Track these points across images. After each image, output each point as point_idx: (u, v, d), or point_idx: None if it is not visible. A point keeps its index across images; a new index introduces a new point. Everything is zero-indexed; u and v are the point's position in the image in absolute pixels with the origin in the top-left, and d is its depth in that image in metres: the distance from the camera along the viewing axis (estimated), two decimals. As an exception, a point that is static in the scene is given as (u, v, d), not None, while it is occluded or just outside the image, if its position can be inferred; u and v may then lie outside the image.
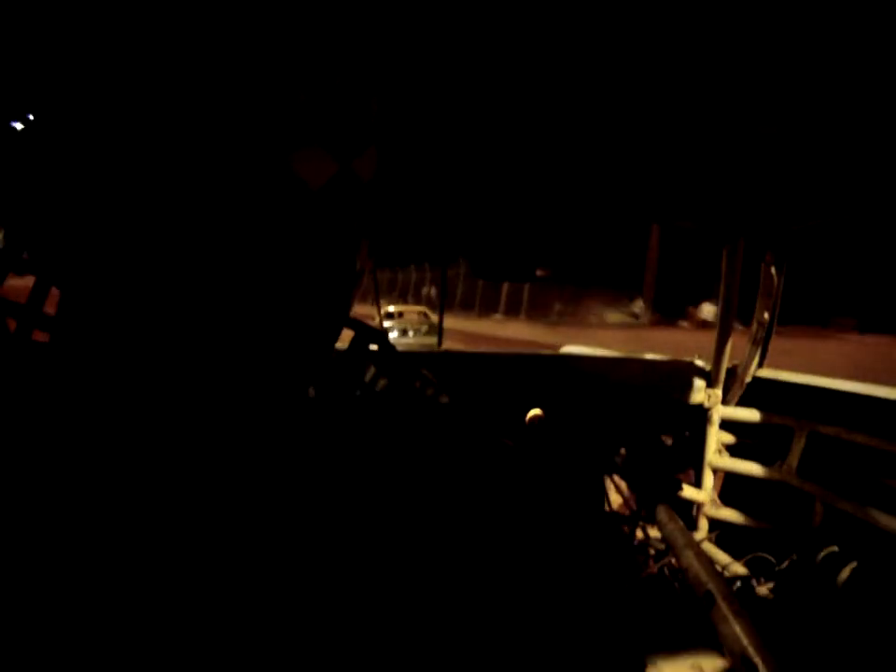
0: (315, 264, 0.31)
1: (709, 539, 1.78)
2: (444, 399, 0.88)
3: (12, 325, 0.60)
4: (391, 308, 11.13)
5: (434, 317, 10.67)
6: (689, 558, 1.26)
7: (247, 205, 0.27)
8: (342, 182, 0.32)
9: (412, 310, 11.50)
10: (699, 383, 1.86)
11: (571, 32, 0.70)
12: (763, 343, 1.73)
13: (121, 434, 0.28)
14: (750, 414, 1.74)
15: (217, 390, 0.32)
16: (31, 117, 0.26)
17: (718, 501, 1.81)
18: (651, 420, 1.87)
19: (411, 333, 9.58)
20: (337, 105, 0.31)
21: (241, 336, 0.30)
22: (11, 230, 0.39)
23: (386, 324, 9.05)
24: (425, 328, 9.90)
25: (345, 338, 0.94)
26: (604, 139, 1.11)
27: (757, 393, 1.77)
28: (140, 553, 0.25)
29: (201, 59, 0.30)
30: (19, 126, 0.27)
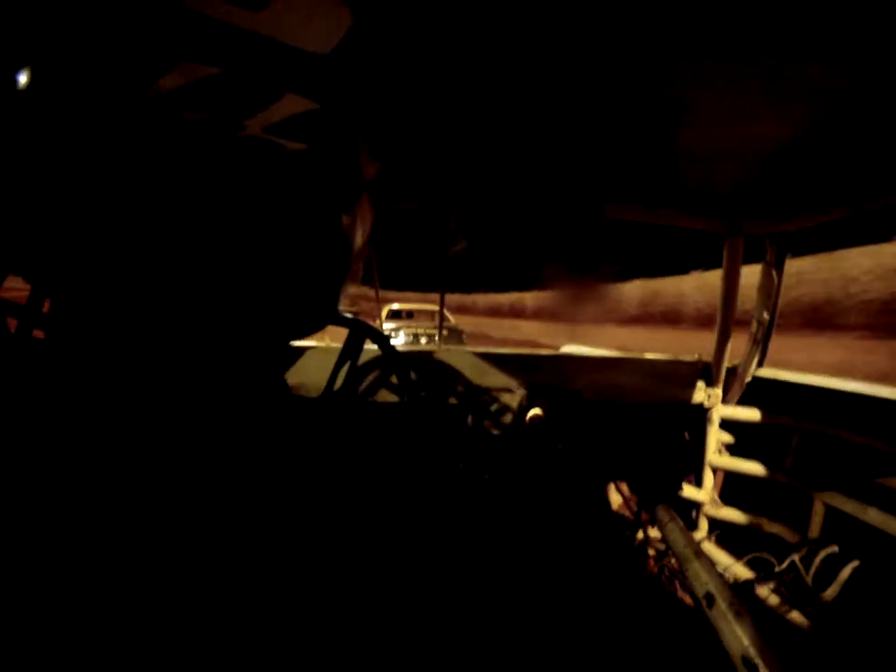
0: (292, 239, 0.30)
1: (709, 539, 1.78)
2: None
3: (12, 325, 0.60)
4: (396, 306, 8.83)
5: (454, 319, 8.67)
6: (689, 558, 1.26)
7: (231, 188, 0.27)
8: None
9: (424, 308, 9.01)
10: (699, 382, 1.86)
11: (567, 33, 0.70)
12: (762, 343, 1.72)
13: (118, 430, 0.28)
14: (750, 414, 1.74)
15: (202, 382, 0.31)
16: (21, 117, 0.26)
17: (718, 501, 1.81)
18: (652, 420, 1.87)
19: (423, 340, 7.46)
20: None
21: (223, 324, 0.29)
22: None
23: (389, 326, 7.79)
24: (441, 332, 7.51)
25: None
26: (601, 136, 1.11)
27: (757, 393, 1.77)
28: (138, 551, 0.25)
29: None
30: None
